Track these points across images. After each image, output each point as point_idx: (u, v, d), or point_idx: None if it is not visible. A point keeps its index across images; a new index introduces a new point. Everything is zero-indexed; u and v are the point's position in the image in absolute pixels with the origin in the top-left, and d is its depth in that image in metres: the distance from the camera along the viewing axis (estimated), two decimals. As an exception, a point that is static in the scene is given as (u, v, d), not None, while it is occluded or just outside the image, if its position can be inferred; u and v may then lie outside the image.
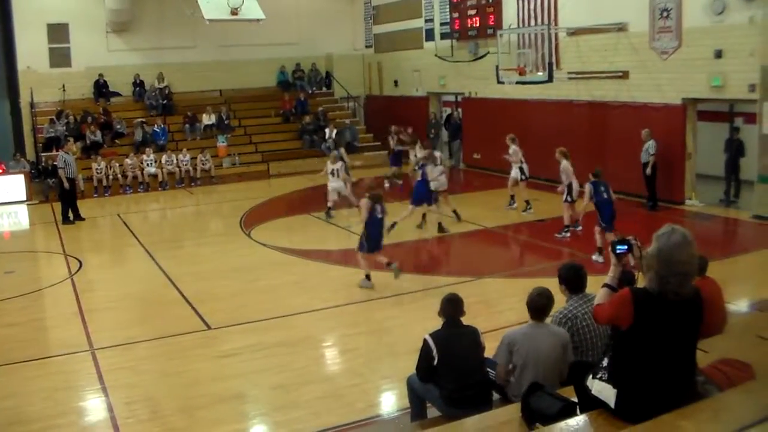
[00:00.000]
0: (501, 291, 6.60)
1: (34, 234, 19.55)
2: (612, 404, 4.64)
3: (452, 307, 6.63)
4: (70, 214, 19.37)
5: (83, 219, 19.64)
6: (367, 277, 12.64)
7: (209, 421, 7.99)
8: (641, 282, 4.77)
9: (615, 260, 5.00)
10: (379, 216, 12.53)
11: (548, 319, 6.55)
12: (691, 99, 17.70)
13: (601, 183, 13.63)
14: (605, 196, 13.55)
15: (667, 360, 4.52)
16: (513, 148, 18.12)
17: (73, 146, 23.71)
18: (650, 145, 17.28)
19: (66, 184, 19.05)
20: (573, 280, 6.72)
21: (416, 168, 17.38)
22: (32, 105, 26.87)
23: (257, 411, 8.44)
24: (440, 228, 16.19)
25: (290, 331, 10.72)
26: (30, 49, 26.92)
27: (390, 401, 8.41)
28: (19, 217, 20.84)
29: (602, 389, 4.73)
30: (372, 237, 12.54)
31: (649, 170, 17.30)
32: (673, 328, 4.49)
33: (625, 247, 4.94)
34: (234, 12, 22.83)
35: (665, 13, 17.67)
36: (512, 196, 18.42)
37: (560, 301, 6.75)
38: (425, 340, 6.53)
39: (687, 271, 4.45)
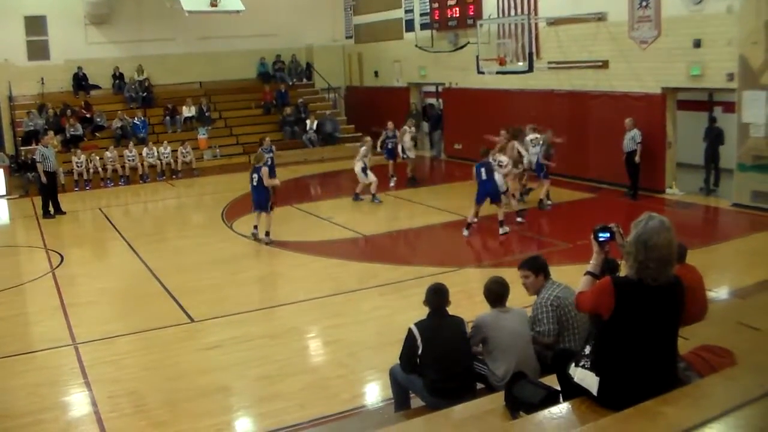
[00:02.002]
0: (483, 281, 6.63)
1: (15, 228, 19.41)
2: (594, 392, 4.68)
3: (437, 297, 6.66)
4: (51, 208, 19.25)
5: (64, 213, 19.52)
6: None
7: (194, 413, 7.98)
8: (624, 269, 4.82)
9: (597, 248, 5.01)
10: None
11: (528, 310, 6.71)
12: (670, 88, 17.79)
13: (483, 164, 14.71)
14: (484, 176, 14.63)
15: (648, 347, 4.56)
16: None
17: (53, 139, 23.62)
18: (636, 134, 17.27)
19: (44, 179, 18.92)
20: (546, 267, 6.97)
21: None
22: (10, 98, 26.67)
23: (242, 403, 8.44)
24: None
25: (274, 323, 10.75)
26: (7, 41, 26.60)
27: (374, 392, 8.43)
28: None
29: (584, 377, 4.76)
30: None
31: (638, 158, 17.23)
32: (655, 315, 4.53)
33: (608, 234, 4.95)
34: (213, 4, 22.77)
35: (644, 3, 17.73)
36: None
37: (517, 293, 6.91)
38: (410, 330, 6.56)
39: (665, 256, 4.49)
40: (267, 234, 15.31)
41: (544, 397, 5.25)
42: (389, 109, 28.77)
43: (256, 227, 15.60)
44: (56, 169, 19.98)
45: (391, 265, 13.46)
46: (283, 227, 16.36)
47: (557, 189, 18.15)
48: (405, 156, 20.98)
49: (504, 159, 15.60)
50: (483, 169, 14.68)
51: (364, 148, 18.49)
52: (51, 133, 24.55)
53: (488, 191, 14.73)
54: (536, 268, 6.90)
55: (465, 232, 15.02)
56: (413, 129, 21.83)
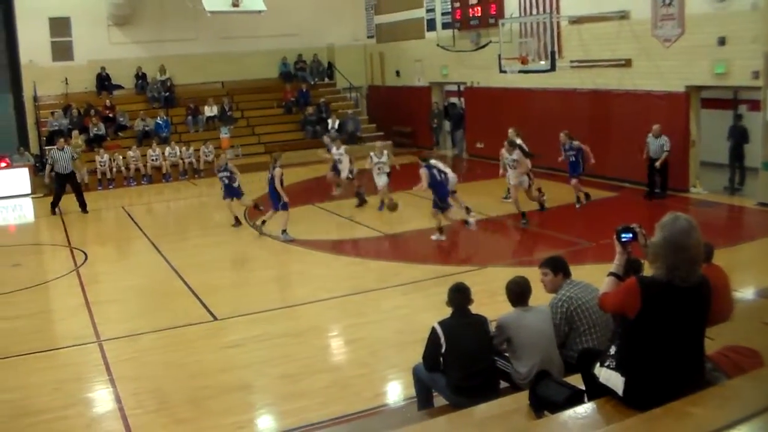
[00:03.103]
0: (505, 280, 6.61)
1: (39, 227, 19.59)
2: (620, 392, 4.64)
3: (460, 296, 6.64)
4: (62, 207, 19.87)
5: (87, 212, 19.72)
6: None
7: (216, 411, 8.01)
8: (647, 269, 4.78)
9: (620, 248, 4.98)
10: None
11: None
12: (694, 87, 17.64)
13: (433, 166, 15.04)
14: (438, 178, 14.83)
15: (675, 347, 4.52)
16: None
17: (78, 138, 23.88)
18: (665, 142, 16.93)
19: (47, 179, 19.55)
20: (566, 266, 6.93)
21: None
22: (35, 99, 26.90)
23: (264, 401, 8.47)
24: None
25: (296, 321, 10.75)
26: (32, 43, 26.87)
27: (397, 390, 8.42)
28: (24, 211, 20.86)
29: (610, 377, 4.73)
30: None
31: (658, 164, 17.06)
32: (682, 315, 4.50)
33: (630, 235, 4.92)
34: (235, 4, 22.82)
35: (668, 1, 17.59)
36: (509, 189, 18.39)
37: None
38: (433, 328, 6.55)
39: (694, 256, 4.47)
40: (284, 231, 15.54)
41: (569, 397, 5.22)
42: (411, 108, 28.86)
43: (264, 221, 15.91)
44: (72, 169, 20.20)
45: (412, 264, 13.44)
46: (305, 226, 16.40)
47: (582, 188, 18.06)
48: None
49: (516, 156, 15.86)
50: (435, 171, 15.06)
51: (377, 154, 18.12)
52: (75, 132, 24.81)
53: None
54: (555, 267, 6.88)
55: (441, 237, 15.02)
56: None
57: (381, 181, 17.45)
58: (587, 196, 17.31)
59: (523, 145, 16.72)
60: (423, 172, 14.74)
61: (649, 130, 17.16)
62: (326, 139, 21.52)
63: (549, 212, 16.72)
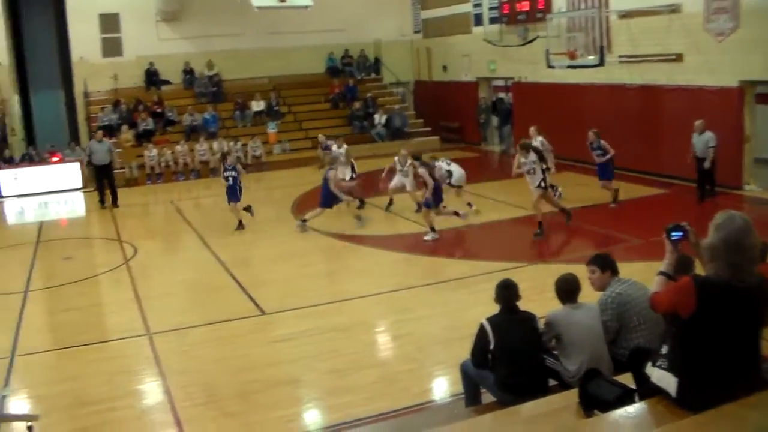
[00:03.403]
0: (553, 277, 6.55)
1: (90, 220, 19.91)
2: (673, 393, 4.57)
3: (508, 292, 6.59)
4: (105, 199, 20.26)
5: (118, 206, 20.27)
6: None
7: (264, 405, 8.06)
8: (698, 267, 4.70)
9: (670, 247, 4.89)
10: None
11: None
12: (748, 81, 17.29)
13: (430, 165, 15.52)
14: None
15: (731, 349, 4.44)
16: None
17: (128, 133, 24.22)
18: (710, 138, 16.25)
19: (86, 171, 20.13)
20: (613, 264, 6.85)
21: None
22: (86, 94, 27.36)
23: (311, 395, 8.50)
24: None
25: (344, 316, 10.77)
26: (83, 39, 27.34)
27: (444, 386, 8.40)
28: (76, 205, 21.18)
29: (662, 377, 4.67)
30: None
31: (707, 164, 16.34)
32: (739, 316, 4.41)
33: (680, 233, 4.84)
34: (282, -1, 22.95)
35: (721, -6, 17.30)
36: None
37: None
38: (481, 325, 6.51)
39: (753, 257, 4.40)
40: (304, 220, 16.22)
41: (620, 396, 5.16)
42: (458, 103, 28.75)
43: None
44: (107, 162, 20.57)
45: (459, 260, 13.41)
46: (353, 222, 16.43)
47: (630, 184, 17.90)
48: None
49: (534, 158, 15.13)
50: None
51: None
52: (125, 127, 25.16)
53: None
54: (603, 265, 6.81)
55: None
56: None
57: (407, 183, 17.18)
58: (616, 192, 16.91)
59: (542, 144, 16.57)
60: (423, 172, 14.81)
61: (693, 128, 16.69)
62: (321, 137, 21.51)
63: (598, 209, 16.53)
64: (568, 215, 15.13)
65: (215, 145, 25.36)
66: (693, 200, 16.58)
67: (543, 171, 14.65)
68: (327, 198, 15.99)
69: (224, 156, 18.81)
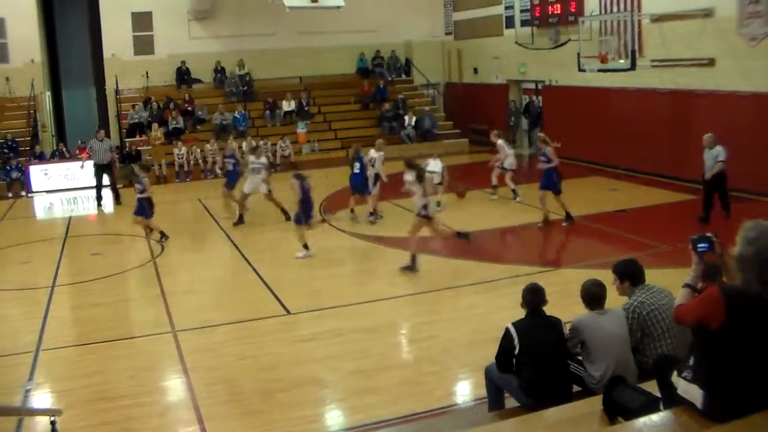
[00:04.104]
0: (580, 281, 6.48)
1: (119, 217, 19.98)
2: (699, 405, 4.48)
3: (534, 297, 6.52)
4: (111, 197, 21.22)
5: (120, 203, 20.94)
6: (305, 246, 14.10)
7: (287, 404, 8.05)
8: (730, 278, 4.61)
9: (696, 259, 4.79)
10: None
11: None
12: (783, 86, 17.06)
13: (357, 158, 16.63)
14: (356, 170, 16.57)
15: (760, 362, 4.32)
16: (499, 143, 18.27)
17: (158, 131, 24.37)
18: (720, 152, 15.01)
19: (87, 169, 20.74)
20: (635, 273, 6.70)
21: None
22: (117, 92, 27.58)
23: (335, 396, 8.46)
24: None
25: (369, 318, 10.74)
26: (115, 37, 27.61)
27: (468, 390, 8.36)
28: (105, 201, 21.29)
29: (688, 389, 4.58)
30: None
31: (708, 175, 15.11)
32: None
33: (707, 245, 4.75)
34: (314, -1, 22.98)
35: (756, -2, 17.08)
36: (513, 190, 18.30)
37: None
38: (507, 329, 6.44)
39: None
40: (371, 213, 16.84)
41: (644, 404, 5.09)
42: (488, 106, 28.64)
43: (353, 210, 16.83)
44: (107, 161, 21.07)
45: (486, 263, 13.32)
46: (380, 223, 16.41)
47: (660, 190, 17.71)
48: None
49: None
50: (357, 163, 16.62)
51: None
52: (155, 125, 25.30)
53: (356, 183, 16.69)
54: (621, 274, 6.69)
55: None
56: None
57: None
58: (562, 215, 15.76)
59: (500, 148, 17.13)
60: (294, 183, 14.33)
61: (724, 134, 15.82)
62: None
63: (626, 214, 16.37)
64: (464, 236, 13.70)
65: (244, 144, 25.40)
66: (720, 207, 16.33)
67: (426, 196, 13.00)
68: None
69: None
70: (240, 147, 25.03)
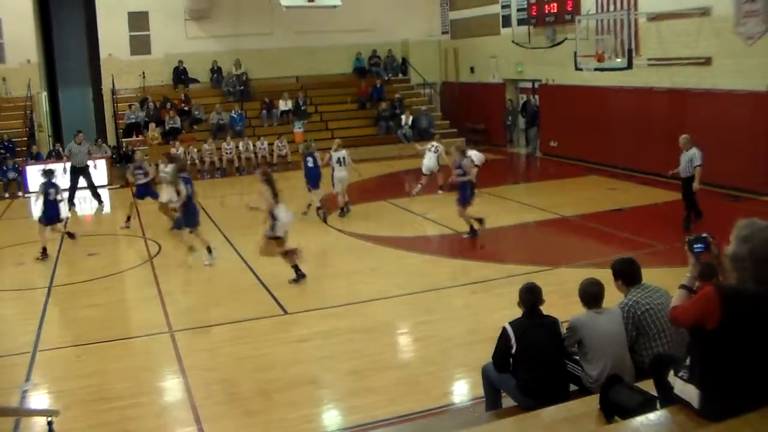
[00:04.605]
0: (578, 281, 6.48)
1: (115, 217, 19.96)
2: (695, 404, 4.49)
3: (531, 296, 6.53)
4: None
5: (102, 203, 21.26)
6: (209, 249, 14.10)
7: (285, 404, 8.05)
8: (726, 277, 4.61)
9: (693, 260, 4.77)
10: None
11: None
12: (778, 85, 17.09)
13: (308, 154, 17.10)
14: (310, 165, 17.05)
15: (756, 360, 4.33)
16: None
17: (155, 131, 24.32)
18: (695, 155, 14.40)
19: (65, 173, 20.38)
20: (629, 273, 6.71)
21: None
22: (113, 92, 27.50)
23: (332, 396, 8.47)
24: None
25: (366, 318, 10.75)
26: (112, 37, 27.59)
27: (465, 390, 8.37)
28: (102, 201, 21.25)
29: (684, 389, 4.58)
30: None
31: (696, 184, 14.41)
32: (765, 327, 4.30)
33: (703, 245, 4.73)
34: (311, -1, 23.00)
35: (753, -3, 17.10)
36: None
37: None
38: (504, 329, 6.45)
39: None
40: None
41: (641, 403, 5.11)
42: (485, 105, 28.67)
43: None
44: (85, 164, 21.08)
45: (483, 262, 13.34)
46: (377, 222, 16.43)
47: (657, 189, 17.72)
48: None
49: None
50: (309, 158, 17.10)
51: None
52: (152, 125, 25.26)
53: (314, 177, 17.16)
54: (614, 273, 6.76)
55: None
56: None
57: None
58: (480, 222, 15.19)
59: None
60: (180, 184, 14.31)
61: (721, 133, 16.01)
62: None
63: (623, 213, 16.39)
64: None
65: (241, 144, 25.41)
66: (719, 205, 16.35)
67: (274, 217, 12.37)
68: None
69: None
70: (237, 147, 25.12)
